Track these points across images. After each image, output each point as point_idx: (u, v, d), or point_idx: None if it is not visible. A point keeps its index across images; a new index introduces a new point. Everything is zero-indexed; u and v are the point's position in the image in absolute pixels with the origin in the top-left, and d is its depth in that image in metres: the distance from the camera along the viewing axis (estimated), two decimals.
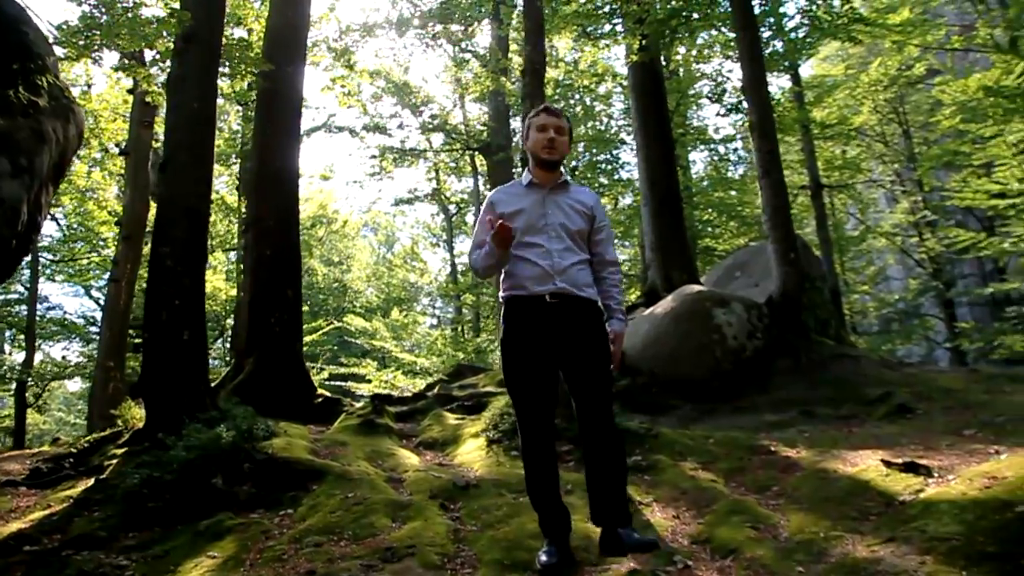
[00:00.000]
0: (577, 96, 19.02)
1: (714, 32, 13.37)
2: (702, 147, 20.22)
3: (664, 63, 14.01)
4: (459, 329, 24.20)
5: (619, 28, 12.32)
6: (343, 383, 17.08)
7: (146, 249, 11.56)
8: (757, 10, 10.59)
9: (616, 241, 18.15)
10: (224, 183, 17.85)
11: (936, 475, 3.50)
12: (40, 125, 4.66)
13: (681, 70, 17.27)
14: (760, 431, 5.85)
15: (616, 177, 19.21)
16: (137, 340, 12.80)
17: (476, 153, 19.11)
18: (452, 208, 25.58)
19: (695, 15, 11.56)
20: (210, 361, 7.36)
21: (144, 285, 11.27)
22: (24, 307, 17.93)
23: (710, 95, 14.47)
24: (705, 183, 20.08)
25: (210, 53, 6.57)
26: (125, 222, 11.97)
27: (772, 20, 12.03)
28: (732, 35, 11.36)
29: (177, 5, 6.85)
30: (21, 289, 18.16)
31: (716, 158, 20.76)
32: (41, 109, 4.72)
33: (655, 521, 3.55)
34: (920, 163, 17.80)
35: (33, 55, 4.87)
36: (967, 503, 2.83)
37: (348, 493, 4.04)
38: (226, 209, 17.25)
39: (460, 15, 14.45)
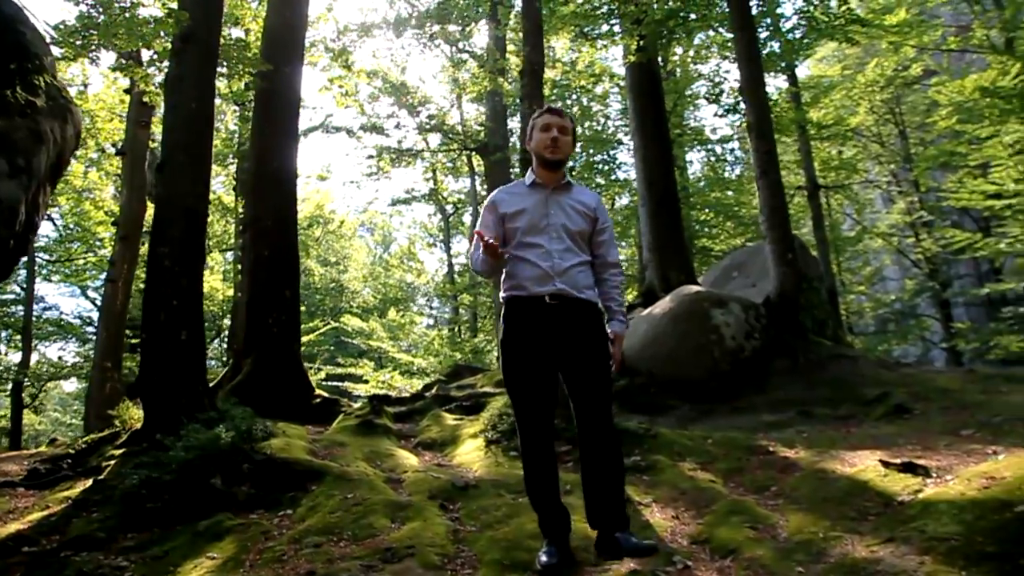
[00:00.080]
0: (574, 96, 19.04)
1: (711, 33, 13.40)
2: (699, 147, 20.28)
3: (662, 63, 14.05)
4: (456, 329, 24.20)
5: (617, 28, 12.33)
6: (340, 383, 17.09)
7: (143, 249, 11.55)
8: (755, 11, 10.61)
9: None
10: (221, 183, 17.82)
11: (934, 475, 3.50)
12: (38, 125, 4.65)
13: (678, 70, 17.32)
14: (758, 431, 5.86)
15: (613, 177, 19.23)
16: (134, 340, 12.79)
17: (473, 153, 19.11)
18: (449, 208, 25.57)
19: (693, 16, 11.58)
20: (207, 361, 7.34)
21: (141, 285, 11.35)
22: (20, 307, 17.89)
23: (707, 95, 14.47)
24: (702, 183, 20.11)
25: (208, 53, 6.56)
26: (122, 222, 11.95)
27: (769, 21, 12.05)
28: (730, 36, 11.37)
29: (175, 5, 6.84)
30: (17, 289, 18.12)
31: (713, 158, 20.82)
32: (39, 109, 4.71)
33: (654, 521, 3.56)
34: (916, 164, 17.84)
35: (31, 55, 4.87)
36: (966, 503, 2.84)
37: (347, 494, 4.04)
38: (223, 209, 17.22)
39: (458, 15, 14.43)
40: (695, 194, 18.96)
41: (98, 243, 17.59)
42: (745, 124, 9.80)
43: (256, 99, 9.02)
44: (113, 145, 13.56)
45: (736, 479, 4.33)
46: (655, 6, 10.78)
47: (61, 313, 19.87)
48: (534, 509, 3.02)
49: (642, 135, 11.85)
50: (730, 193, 19.65)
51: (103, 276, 14.92)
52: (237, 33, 10.49)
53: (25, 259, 15.45)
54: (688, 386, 7.46)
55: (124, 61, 8.21)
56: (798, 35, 12.48)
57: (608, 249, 3.14)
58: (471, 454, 5.34)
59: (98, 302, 17.77)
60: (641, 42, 10.84)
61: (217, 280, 18.02)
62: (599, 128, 19.74)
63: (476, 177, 21.60)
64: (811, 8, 11.70)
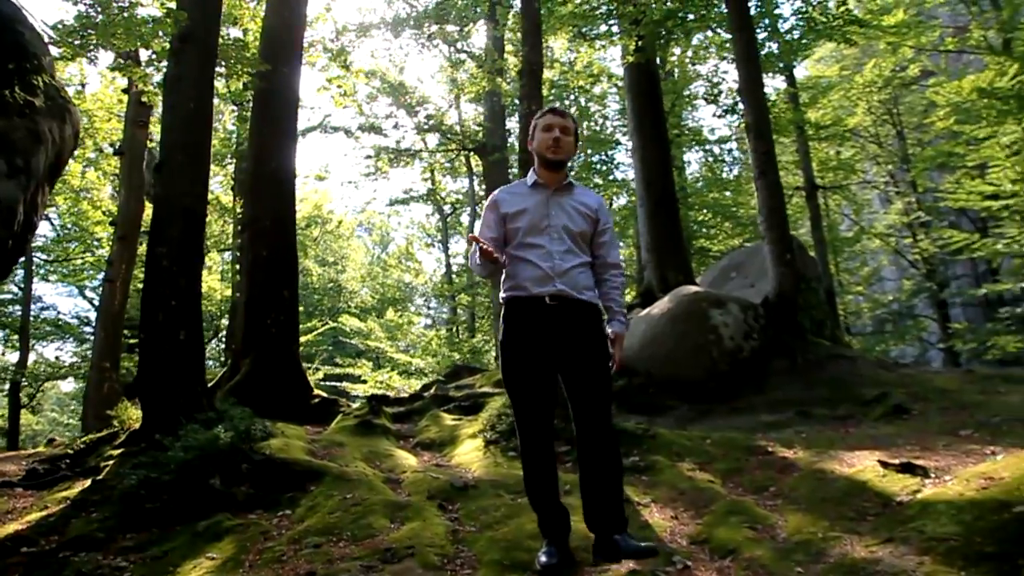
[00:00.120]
0: (573, 97, 19.06)
1: (710, 33, 13.41)
2: (697, 148, 20.28)
3: (660, 64, 14.05)
4: (454, 329, 24.19)
5: (615, 29, 12.33)
6: (338, 383, 17.09)
7: (141, 249, 11.55)
8: (753, 11, 10.62)
9: None
10: (219, 183, 17.79)
11: (933, 476, 3.51)
12: (36, 125, 4.65)
13: (677, 71, 17.32)
14: (757, 432, 5.86)
15: (611, 178, 19.23)
16: (132, 340, 12.77)
17: (471, 153, 19.12)
18: (447, 208, 25.57)
19: (691, 16, 11.59)
20: (206, 361, 7.33)
21: (139, 285, 11.34)
22: (18, 307, 17.85)
23: (706, 96, 14.46)
24: (700, 184, 20.12)
25: (206, 53, 6.55)
26: (120, 222, 11.93)
27: (768, 21, 12.06)
28: (728, 36, 11.38)
29: (173, 5, 6.83)
30: (15, 289, 18.09)
31: (711, 159, 20.82)
32: (37, 109, 4.71)
33: (653, 522, 3.56)
34: (914, 164, 17.88)
35: (29, 55, 4.86)
36: (964, 504, 2.85)
37: (346, 494, 4.03)
38: (221, 209, 17.19)
39: (456, 15, 14.44)
40: (693, 194, 18.97)
41: (96, 243, 17.55)
42: (743, 124, 9.82)
43: (254, 99, 9.01)
44: (111, 145, 13.55)
45: (735, 479, 4.33)
46: (653, 6, 10.79)
47: (59, 313, 19.88)
48: (533, 509, 3.01)
49: (640, 135, 11.86)
50: (728, 193, 19.66)
51: (101, 276, 14.92)
52: (235, 33, 10.50)
53: (23, 259, 15.44)
54: (687, 386, 7.47)
55: (122, 61, 8.20)
56: (796, 36, 12.50)
57: (609, 250, 3.14)
58: (470, 454, 5.34)
59: (96, 302, 17.73)
60: (639, 42, 10.85)
61: (215, 280, 17.98)
62: (597, 128, 19.76)
63: (474, 177, 21.61)
64: (809, 9, 11.71)
